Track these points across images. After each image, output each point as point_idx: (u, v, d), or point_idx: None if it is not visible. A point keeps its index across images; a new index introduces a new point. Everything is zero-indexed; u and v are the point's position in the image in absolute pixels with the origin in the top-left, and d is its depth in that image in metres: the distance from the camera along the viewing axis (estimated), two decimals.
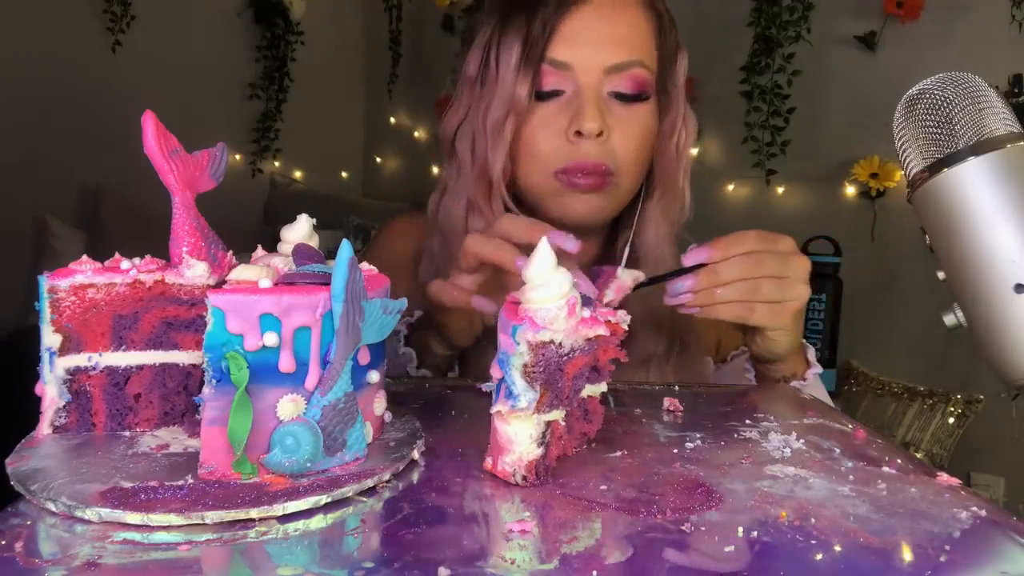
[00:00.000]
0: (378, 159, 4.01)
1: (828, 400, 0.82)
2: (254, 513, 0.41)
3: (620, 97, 0.84)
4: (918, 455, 2.26)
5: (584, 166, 0.82)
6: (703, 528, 0.42)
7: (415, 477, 0.49)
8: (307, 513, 0.42)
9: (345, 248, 0.45)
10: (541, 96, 0.84)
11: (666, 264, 0.88)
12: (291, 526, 0.41)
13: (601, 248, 0.95)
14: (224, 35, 3.22)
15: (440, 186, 0.93)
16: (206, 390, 0.45)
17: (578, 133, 0.82)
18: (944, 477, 0.50)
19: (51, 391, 0.53)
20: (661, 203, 0.90)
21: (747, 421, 0.62)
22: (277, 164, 3.49)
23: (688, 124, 0.91)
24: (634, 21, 0.85)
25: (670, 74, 0.89)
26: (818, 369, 0.84)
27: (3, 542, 0.38)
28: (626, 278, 0.73)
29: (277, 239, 0.57)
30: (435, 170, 3.32)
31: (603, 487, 0.47)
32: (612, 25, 0.84)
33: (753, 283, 0.73)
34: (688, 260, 0.73)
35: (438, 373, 0.86)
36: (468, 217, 0.88)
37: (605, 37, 0.83)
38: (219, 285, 0.54)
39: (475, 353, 0.88)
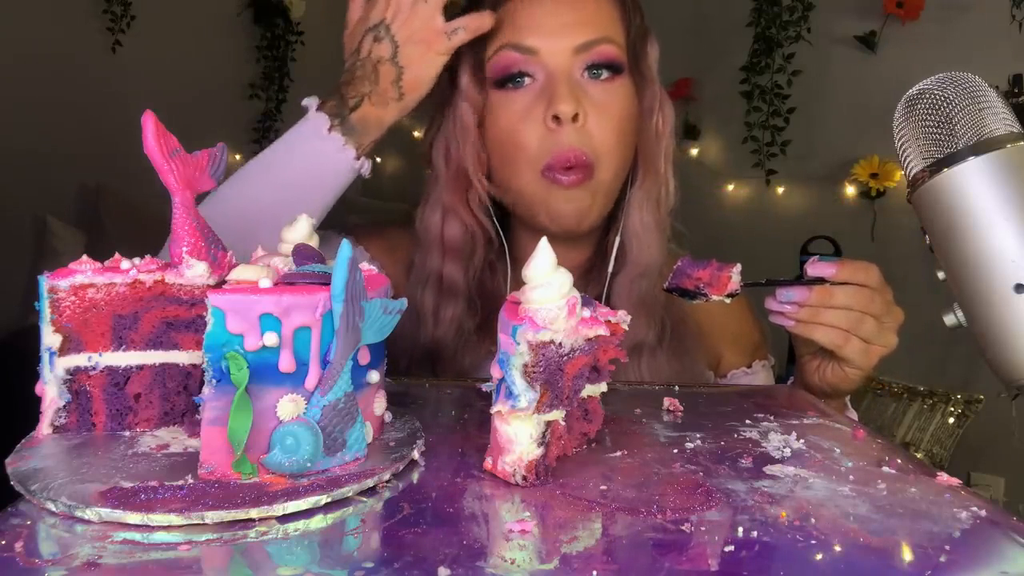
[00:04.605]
0: (378, 159, 4.01)
1: None
2: (254, 513, 0.41)
3: (593, 72, 0.83)
4: (918, 455, 2.26)
5: (566, 158, 0.81)
6: (703, 528, 0.42)
7: (415, 477, 0.49)
8: (307, 513, 0.42)
9: (345, 248, 0.45)
10: (510, 81, 0.84)
11: (652, 253, 0.88)
12: (291, 526, 0.41)
13: (594, 249, 0.94)
14: (224, 35, 3.22)
15: (424, 199, 0.93)
16: (206, 390, 0.45)
17: (555, 118, 0.81)
18: (944, 477, 0.50)
19: (51, 391, 0.53)
20: (644, 187, 0.89)
21: (747, 421, 0.62)
22: None
23: (665, 108, 0.90)
24: (596, 5, 0.85)
25: (641, 56, 0.89)
26: (853, 416, 0.84)
27: (3, 542, 0.38)
28: (736, 275, 0.71)
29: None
30: None
31: (603, 487, 0.47)
32: (574, 10, 0.84)
33: (859, 316, 0.73)
34: (812, 271, 0.73)
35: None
36: (444, 225, 0.88)
37: (569, 21, 0.83)
38: (219, 285, 0.54)
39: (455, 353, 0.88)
